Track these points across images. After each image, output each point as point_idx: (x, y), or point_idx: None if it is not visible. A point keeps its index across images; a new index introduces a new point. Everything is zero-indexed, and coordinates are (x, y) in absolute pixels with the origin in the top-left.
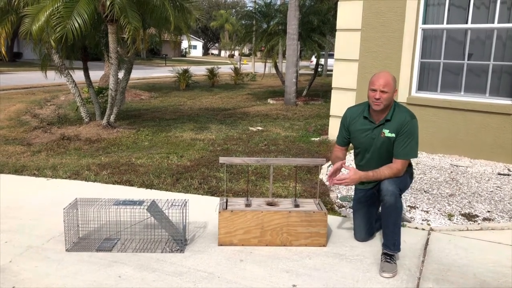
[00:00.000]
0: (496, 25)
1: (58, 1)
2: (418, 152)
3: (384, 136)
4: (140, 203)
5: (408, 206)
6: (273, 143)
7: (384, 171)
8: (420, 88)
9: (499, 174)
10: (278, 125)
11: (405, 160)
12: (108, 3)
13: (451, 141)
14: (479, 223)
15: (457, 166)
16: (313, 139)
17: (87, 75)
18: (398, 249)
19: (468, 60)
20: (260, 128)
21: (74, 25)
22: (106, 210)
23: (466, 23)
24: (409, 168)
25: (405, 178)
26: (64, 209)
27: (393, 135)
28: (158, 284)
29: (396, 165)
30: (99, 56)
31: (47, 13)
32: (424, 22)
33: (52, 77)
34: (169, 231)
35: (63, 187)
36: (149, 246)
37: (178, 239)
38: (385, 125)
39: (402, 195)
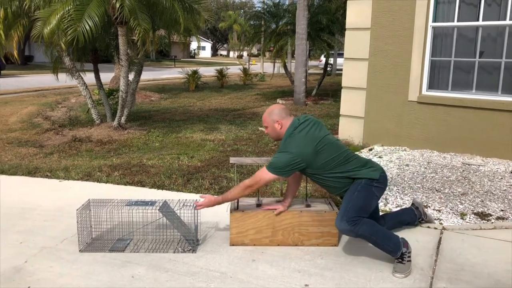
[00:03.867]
0: (508, 22)
1: (69, 4)
2: (430, 151)
3: None
4: (152, 203)
5: None
6: None
7: (233, 190)
8: (431, 86)
9: None
10: None
11: (263, 171)
12: (118, 5)
13: (462, 140)
14: (492, 222)
15: (469, 164)
16: None
17: (97, 77)
18: (399, 250)
19: (479, 58)
20: None
21: (85, 28)
22: (119, 211)
23: (477, 20)
24: (363, 179)
25: (359, 194)
26: (77, 210)
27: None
28: (171, 284)
29: (251, 177)
30: (110, 58)
31: (58, 16)
32: (434, 20)
33: (63, 79)
34: (181, 231)
35: (75, 189)
36: (162, 246)
37: (190, 239)
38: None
39: (359, 217)
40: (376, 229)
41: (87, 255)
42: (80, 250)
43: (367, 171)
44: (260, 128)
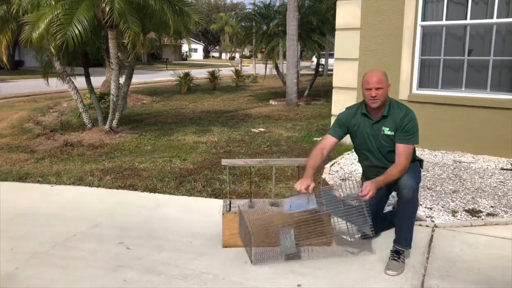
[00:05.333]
0: (495, 20)
1: (57, 8)
2: (421, 149)
3: (383, 134)
4: (311, 203)
5: None
6: (275, 144)
7: (392, 171)
8: (421, 85)
9: (502, 169)
10: (280, 126)
11: (408, 149)
12: (107, 9)
13: (453, 138)
14: (483, 219)
15: (460, 162)
16: (315, 139)
17: (88, 81)
18: (409, 246)
19: (468, 56)
20: (262, 129)
21: (74, 32)
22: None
23: (465, 19)
24: (418, 162)
25: (419, 171)
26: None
27: (392, 133)
28: (164, 286)
29: (400, 159)
30: (100, 62)
31: (47, 20)
32: (423, 19)
33: (54, 84)
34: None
35: (67, 193)
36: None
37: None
38: (383, 122)
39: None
40: (416, 210)
41: (79, 260)
42: (252, 263)
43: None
44: (252, 130)
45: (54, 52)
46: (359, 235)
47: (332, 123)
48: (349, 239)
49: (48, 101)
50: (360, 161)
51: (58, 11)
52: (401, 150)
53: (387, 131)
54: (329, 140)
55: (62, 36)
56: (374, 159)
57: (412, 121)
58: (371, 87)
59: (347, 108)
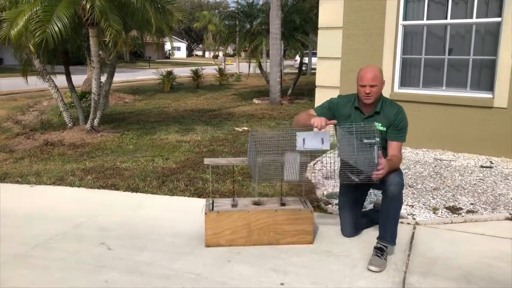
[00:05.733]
0: (474, 20)
1: (36, 5)
2: (404, 147)
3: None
4: (325, 143)
5: None
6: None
7: (394, 160)
8: (403, 84)
9: (482, 166)
10: (264, 125)
11: (401, 146)
12: (88, 6)
13: (434, 136)
14: (463, 216)
15: (441, 160)
16: None
17: (69, 80)
18: (394, 242)
19: (448, 55)
20: (246, 128)
21: (54, 29)
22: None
23: (446, 18)
24: None
25: (402, 171)
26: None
27: (384, 129)
28: (146, 287)
29: (395, 152)
30: (82, 60)
31: (26, 17)
32: (405, 19)
33: (34, 82)
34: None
35: (47, 193)
36: None
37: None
38: (375, 118)
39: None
40: (401, 207)
41: (59, 261)
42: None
43: None
44: (236, 129)
45: (33, 49)
46: (360, 179)
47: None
48: (355, 180)
49: (28, 100)
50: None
51: (37, 8)
52: (395, 146)
53: (379, 126)
54: (312, 112)
55: (41, 33)
56: None
57: (404, 119)
58: (365, 84)
59: (340, 96)
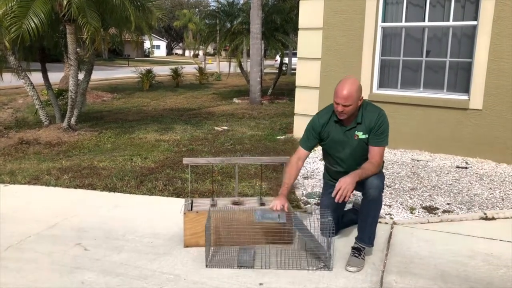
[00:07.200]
0: (451, 23)
1: (12, 0)
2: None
3: (357, 139)
4: (281, 217)
5: None
6: (239, 142)
7: (369, 166)
8: (381, 85)
9: (458, 167)
10: (244, 124)
11: (382, 150)
12: (65, 2)
13: (412, 136)
14: (439, 215)
15: (418, 160)
16: (278, 137)
17: (46, 77)
18: (372, 244)
19: (426, 57)
20: (225, 127)
21: (30, 25)
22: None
23: (424, 21)
24: (383, 163)
25: (383, 172)
26: (206, 225)
27: (366, 135)
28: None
29: (375, 158)
30: (59, 57)
31: (1, 12)
32: (384, 20)
33: (9, 79)
34: (312, 246)
35: (22, 193)
36: (292, 262)
37: (322, 254)
38: (357, 128)
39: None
40: (380, 210)
41: (33, 263)
42: (207, 266)
43: None
44: (216, 128)
45: (8, 46)
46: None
47: (294, 122)
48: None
49: (2, 97)
50: (328, 165)
51: (13, 3)
52: (376, 151)
53: (361, 135)
54: (302, 152)
55: (17, 29)
56: (345, 165)
57: (384, 123)
58: (338, 102)
59: (318, 116)
